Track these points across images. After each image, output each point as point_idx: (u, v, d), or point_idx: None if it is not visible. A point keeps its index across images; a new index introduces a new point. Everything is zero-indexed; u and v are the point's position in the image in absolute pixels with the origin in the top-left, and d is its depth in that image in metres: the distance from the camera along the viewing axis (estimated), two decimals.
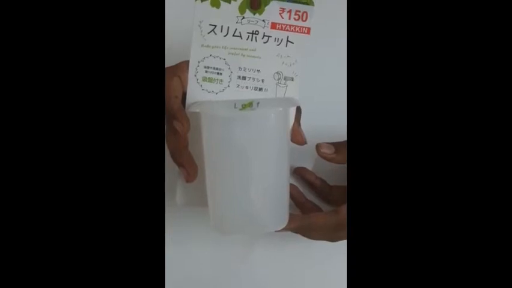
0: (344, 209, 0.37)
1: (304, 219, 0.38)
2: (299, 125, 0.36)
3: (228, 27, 0.34)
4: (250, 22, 0.34)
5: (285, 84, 0.36)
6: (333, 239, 0.38)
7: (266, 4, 0.33)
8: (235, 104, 0.34)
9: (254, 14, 0.34)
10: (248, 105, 0.34)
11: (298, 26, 0.34)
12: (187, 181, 0.35)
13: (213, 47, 0.34)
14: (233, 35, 0.34)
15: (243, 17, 0.34)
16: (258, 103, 0.34)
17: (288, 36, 0.34)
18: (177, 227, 0.44)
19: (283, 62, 0.35)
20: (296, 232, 0.38)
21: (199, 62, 0.35)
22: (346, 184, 0.36)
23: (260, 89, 0.36)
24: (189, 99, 0.36)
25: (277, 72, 0.35)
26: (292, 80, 0.36)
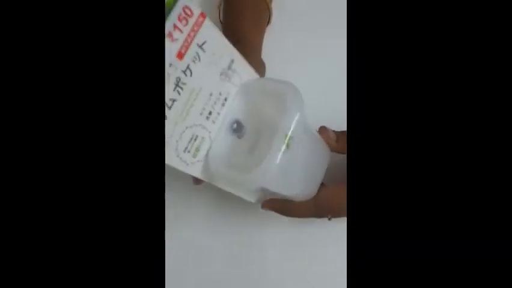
0: (320, 196, 0.38)
1: (285, 202, 0.39)
2: None
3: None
4: (166, 82, 0.30)
5: (233, 71, 0.35)
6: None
7: None
8: None
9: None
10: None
11: (193, 26, 0.31)
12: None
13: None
14: (170, 107, 0.31)
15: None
16: None
17: (197, 44, 0.32)
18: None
19: (216, 63, 0.34)
20: (278, 213, 0.40)
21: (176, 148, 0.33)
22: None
23: (225, 99, 0.35)
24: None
25: (221, 74, 0.34)
26: (233, 61, 0.35)
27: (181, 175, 0.46)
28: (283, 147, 0.32)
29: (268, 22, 0.50)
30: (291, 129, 0.32)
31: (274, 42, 0.50)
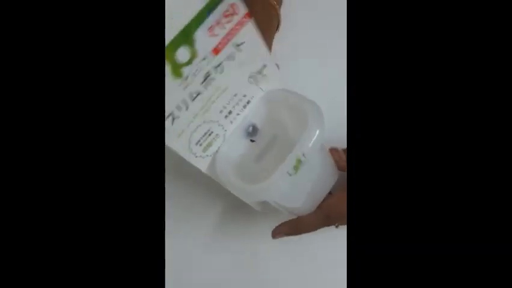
0: (329, 205, 0.39)
1: (292, 221, 0.40)
2: None
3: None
4: (196, 73, 0.31)
5: (263, 76, 0.35)
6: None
7: (190, 44, 0.29)
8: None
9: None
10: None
11: (235, 25, 0.31)
12: None
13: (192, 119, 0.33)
14: (194, 99, 0.32)
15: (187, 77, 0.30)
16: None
17: (235, 44, 0.31)
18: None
19: (248, 65, 0.34)
20: (289, 235, 0.40)
21: (189, 140, 0.33)
22: None
23: (248, 102, 0.36)
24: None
25: (250, 76, 0.34)
26: (265, 67, 0.35)
27: (182, 181, 0.47)
28: (294, 165, 0.32)
29: (277, 28, 0.50)
30: (307, 149, 0.33)
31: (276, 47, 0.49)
